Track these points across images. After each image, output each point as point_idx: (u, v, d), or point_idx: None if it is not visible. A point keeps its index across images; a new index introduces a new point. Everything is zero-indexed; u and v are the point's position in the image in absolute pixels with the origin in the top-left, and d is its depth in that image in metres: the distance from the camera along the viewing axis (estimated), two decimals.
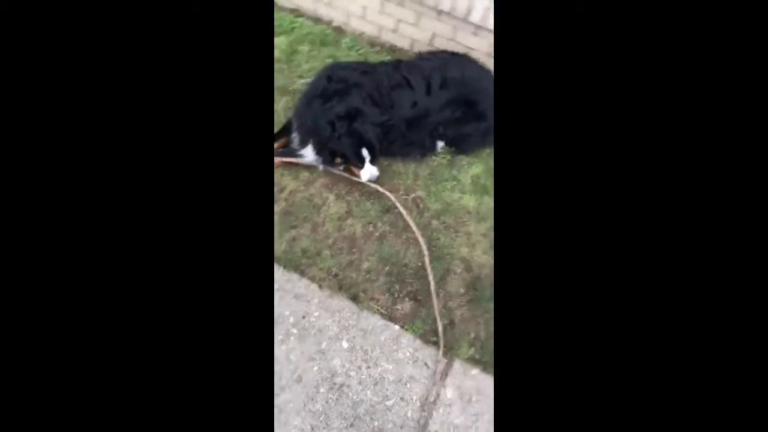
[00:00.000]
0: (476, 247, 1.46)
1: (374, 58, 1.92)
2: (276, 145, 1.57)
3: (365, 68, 1.53)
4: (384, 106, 1.45)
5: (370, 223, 1.49)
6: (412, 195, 1.56)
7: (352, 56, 1.96)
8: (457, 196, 1.57)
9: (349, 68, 1.49)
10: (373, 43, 2.02)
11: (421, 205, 1.54)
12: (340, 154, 1.42)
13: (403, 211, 1.45)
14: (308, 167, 1.56)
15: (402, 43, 1.98)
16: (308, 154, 1.49)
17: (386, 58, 1.91)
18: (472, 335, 1.31)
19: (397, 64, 1.57)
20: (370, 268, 1.41)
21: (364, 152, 1.42)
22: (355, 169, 1.47)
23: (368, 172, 1.44)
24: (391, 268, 1.41)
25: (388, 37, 2.00)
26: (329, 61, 1.86)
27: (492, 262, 1.45)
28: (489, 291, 1.37)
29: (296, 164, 1.55)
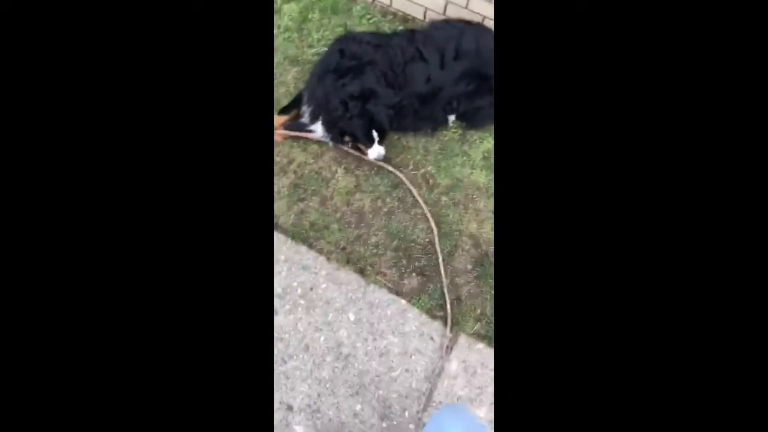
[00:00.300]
0: (485, 223, 1.45)
1: (386, 27, 1.86)
2: (286, 118, 1.55)
3: (379, 41, 1.48)
4: (398, 85, 1.41)
5: (378, 198, 1.48)
6: (421, 171, 1.54)
7: (364, 25, 1.89)
8: (468, 171, 1.55)
9: (362, 42, 1.44)
10: (385, 11, 1.94)
11: (430, 181, 1.52)
12: (350, 133, 1.40)
13: (412, 189, 1.44)
14: (317, 141, 1.54)
15: (415, 11, 1.90)
16: (318, 129, 1.47)
17: (399, 27, 1.85)
18: (478, 311, 1.31)
19: (411, 35, 1.51)
20: (377, 242, 1.41)
21: (374, 134, 1.39)
22: (363, 147, 1.45)
23: (376, 151, 1.42)
24: (399, 243, 1.41)
25: (401, 5, 1.92)
26: (340, 30, 1.81)
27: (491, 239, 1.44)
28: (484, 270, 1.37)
29: (305, 139, 1.53)
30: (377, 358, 1.24)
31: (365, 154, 1.46)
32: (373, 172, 1.52)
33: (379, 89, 1.35)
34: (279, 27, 1.86)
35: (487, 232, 1.44)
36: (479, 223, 1.45)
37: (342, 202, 1.47)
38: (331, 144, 1.51)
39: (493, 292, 1.34)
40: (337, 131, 1.41)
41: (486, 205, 1.49)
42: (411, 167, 1.54)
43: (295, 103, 1.56)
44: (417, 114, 1.49)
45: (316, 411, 1.17)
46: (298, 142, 1.56)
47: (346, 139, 1.44)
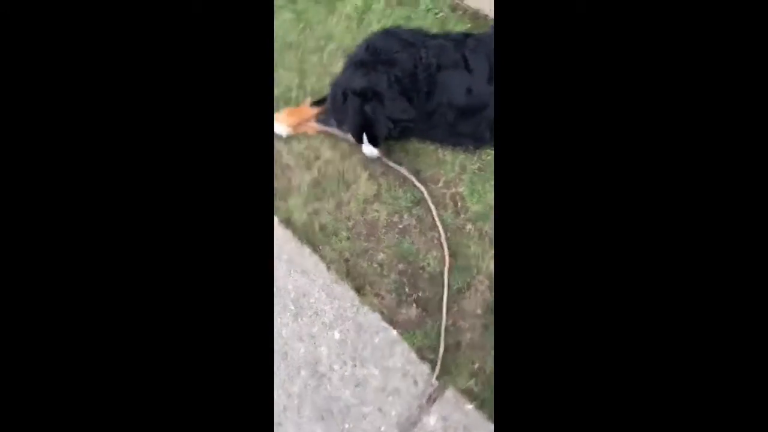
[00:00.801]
0: None
1: (452, 24, 1.68)
2: (318, 110, 1.48)
3: (414, 40, 1.33)
4: (418, 93, 1.25)
5: (396, 212, 1.35)
6: (452, 191, 1.37)
7: (429, 20, 1.73)
8: None
9: (394, 37, 1.30)
10: (455, 6, 1.76)
11: (459, 204, 1.35)
12: (343, 124, 1.29)
13: (433, 208, 1.28)
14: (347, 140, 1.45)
15: (488, 9, 1.69)
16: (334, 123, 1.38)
17: (466, 26, 1.66)
18: (477, 365, 1.14)
19: (462, 39, 1.33)
20: (383, 261, 1.29)
21: (365, 137, 1.26)
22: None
23: (368, 149, 1.30)
24: (406, 266, 1.27)
25: (474, 2, 1.72)
26: (402, 23, 1.68)
27: None
28: None
29: (334, 135, 1.45)
30: (352, 387, 1.14)
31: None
32: (398, 183, 1.39)
33: (387, 93, 1.20)
34: (341, 15, 1.78)
35: None
36: None
37: (357, 210, 1.37)
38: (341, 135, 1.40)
39: None
40: (335, 119, 1.30)
41: None
42: (441, 184, 1.38)
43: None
44: (453, 128, 1.32)
45: (278, 425, 1.12)
46: (330, 139, 1.49)
47: (344, 128, 1.33)
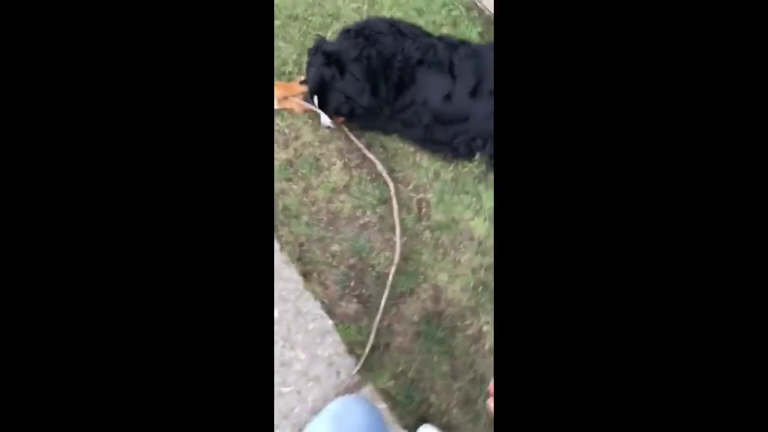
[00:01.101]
0: (457, 280, 1.26)
1: (464, 26, 1.63)
2: (305, 88, 1.47)
3: (408, 32, 1.29)
4: (385, 80, 1.23)
5: (361, 207, 1.36)
6: (419, 196, 1.37)
7: (442, 15, 1.69)
8: (469, 215, 1.34)
9: (388, 23, 1.27)
10: (470, 6, 1.70)
11: (423, 210, 1.35)
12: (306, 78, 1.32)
13: (395, 208, 1.29)
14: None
15: None
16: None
17: (477, 29, 1.61)
18: (400, 368, 1.17)
19: (456, 44, 1.29)
20: (336, 252, 1.31)
21: (315, 99, 1.28)
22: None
23: (325, 118, 1.32)
24: (357, 262, 1.29)
25: (491, 4, 1.66)
26: (413, 14, 1.63)
27: (464, 305, 1.24)
28: (442, 334, 1.19)
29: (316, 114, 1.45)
30: (276, 365, 1.18)
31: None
32: (369, 178, 1.39)
33: (351, 67, 1.20)
34: None
35: (455, 290, 1.25)
36: (452, 277, 1.27)
37: (324, 198, 1.38)
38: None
39: (425, 356, 1.17)
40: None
41: (469, 260, 1.28)
42: (410, 187, 1.38)
43: None
44: (429, 131, 1.31)
45: None
46: (315, 122, 1.48)
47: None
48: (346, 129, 1.41)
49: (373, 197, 1.37)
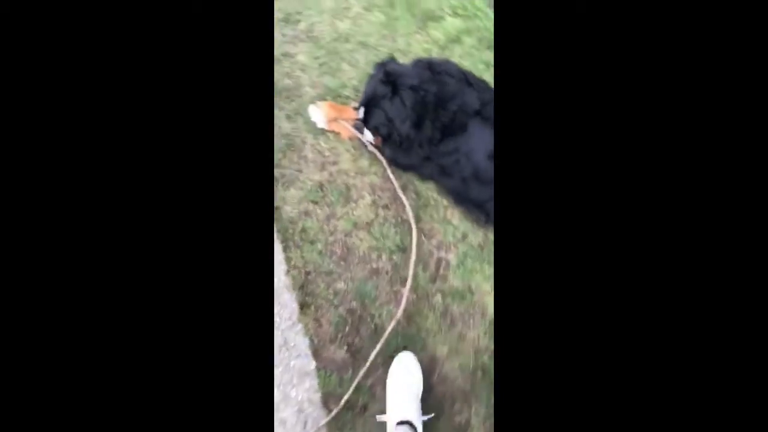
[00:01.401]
0: (457, 357, 1.15)
1: None
2: (354, 114, 1.44)
3: (473, 81, 1.25)
4: (432, 120, 1.19)
5: (377, 249, 1.29)
6: (440, 254, 1.29)
7: None
8: (487, 289, 1.23)
9: (457, 67, 1.25)
10: None
11: (441, 270, 1.27)
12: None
13: (412, 260, 1.21)
14: (374, 157, 1.41)
15: None
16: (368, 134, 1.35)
17: None
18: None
19: None
20: (340, 291, 1.24)
21: (362, 110, 1.26)
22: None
23: (367, 132, 1.29)
24: (358, 307, 1.22)
25: None
26: (481, 66, 1.59)
27: (457, 386, 1.13)
28: (428, 404, 1.08)
29: (365, 147, 1.41)
30: None
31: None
32: (394, 221, 1.33)
33: (403, 93, 1.17)
34: (428, 35, 1.73)
35: (452, 364, 1.14)
36: (452, 352, 1.16)
37: (344, 230, 1.32)
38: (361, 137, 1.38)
39: None
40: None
41: (476, 338, 1.17)
42: (434, 243, 1.30)
43: None
44: (466, 187, 1.24)
45: None
46: (356, 152, 1.45)
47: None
48: (385, 163, 1.37)
49: (393, 243, 1.29)
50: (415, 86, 1.21)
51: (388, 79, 1.19)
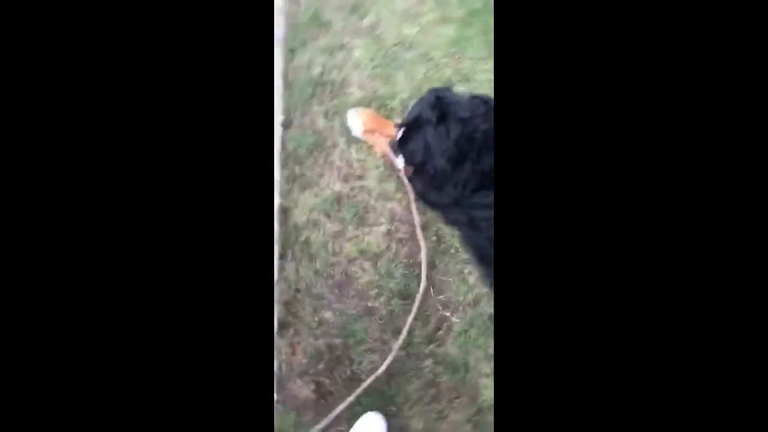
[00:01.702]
0: None
1: None
2: (394, 131, 1.31)
3: None
4: (471, 162, 1.05)
5: (378, 288, 1.16)
6: (445, 313, 1.15)
7: None
8: (485, 370, 1.10)
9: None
10: None
11: (440, 332, 1.13)
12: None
13: (413, 312, 1.08)
14: (403, 184, 1.27)
15: None
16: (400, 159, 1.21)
17: None
18: None
19: None
20: (325, 321, 1.12)
21: (400, 131, 1.10)
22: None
23: (400, 158, 1.14)
24: (340, 345, 1.09)
25: None
26: None
27: None
28: None
29: (392, 166, 1.28)
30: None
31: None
32: (404, 263, 1.19)
33: (451, 126, 1.02)
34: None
35: None
36: (427, 431, 1.03)
37: (348, 254, 1.20)
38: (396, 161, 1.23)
39: None
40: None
41: (457, 423, 1.04)
42: (442, 298, 1.17)
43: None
44: (492, 244, 1.09)
45: None
46: (385, 173, 1.31)
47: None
48: (411, 193, 1.23)
49: (397, 285, 1.16)
50: (464, 119, 1.06)
51: (437, 105, 1.05)
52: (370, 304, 1.14)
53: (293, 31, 1.51)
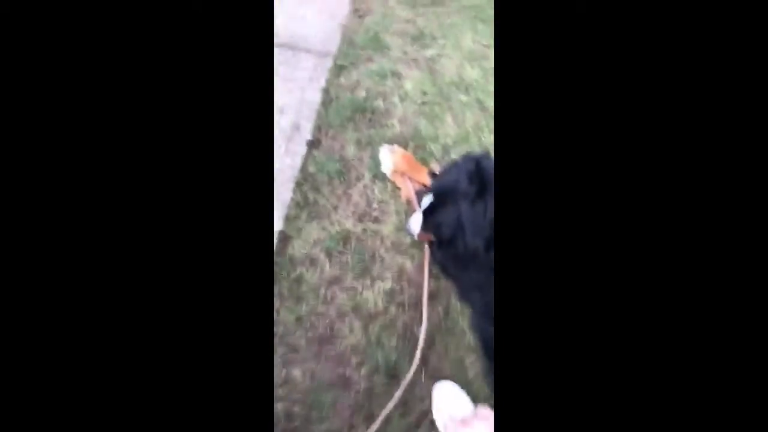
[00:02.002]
0: None
1: None
2: (426, 183, 1.15)
3: None
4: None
5: (364, 357, 0.99)
6: (429, 408, 0.96)
7: None
8: None
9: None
10: None
11: (421, 429, 0.94)
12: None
13: (395, 397, 0.90)
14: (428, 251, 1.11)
15: None
16: (416, 218, 1.05)
17: None
18: None
19: None
20: (291, 380, 0.96)
21: (426, 201, 0.94)
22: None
23: (415, 219, 0.97)
24: (302, 416, 0.92)
25: None
26: None
27: None
28: None
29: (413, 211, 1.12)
30: None
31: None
32: (401, 332, 1.02)
33: (490, 207, 0.86)
34: None
35: None
36: None
37: (340, 308, 1.04)
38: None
39: None
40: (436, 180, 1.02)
41: None
42: (431, 383, 0.98)
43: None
44: None
45: None
46: (407, 215, 1.16)
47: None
48: (427, 257, 1.07)
49: (385, 360, 0.99)
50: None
51: (477, 176, 0.89)
52: (347, 374, 0.97)
53: (347, 47, 1.41)
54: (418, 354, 0.96)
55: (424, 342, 0.98)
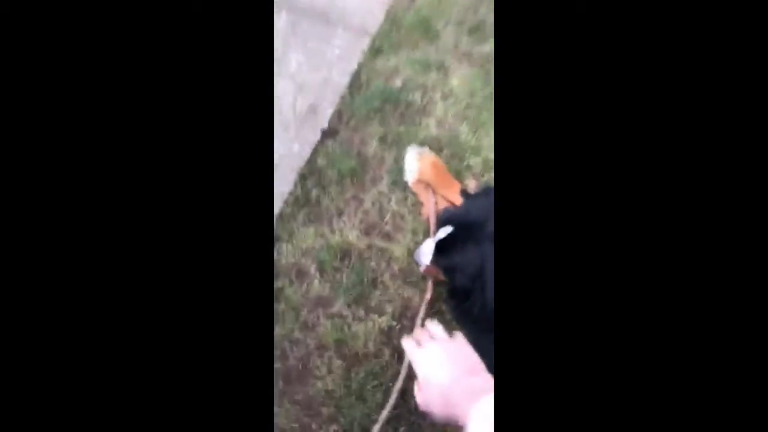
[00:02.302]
0: None
1: None
2: (456, 200, 0.93)
3: None
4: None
5: (335, 406, 0.78)
6: None
7: None
8: None
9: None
10: None
11: None
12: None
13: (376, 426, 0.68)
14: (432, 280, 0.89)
15: None
16: (428, 246, 0.83)
17: None
18: None
19: None
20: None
21: (442, 232, 0.79)
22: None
23: (427, 247, 0.81)
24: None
25: None
26: None
27: None
28: None
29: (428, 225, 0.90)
30: None
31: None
32: (382, 382, 0.80)
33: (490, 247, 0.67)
34: None
35: None
36: None
37: (321, 338, 0.83)
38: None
39: None
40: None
41: None
42: None
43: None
44: None
45: None
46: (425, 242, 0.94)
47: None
48: (428, 295, 0.84)
49: (361, 423, 0.77)
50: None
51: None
52: (314, 426, 0.76)
53: (390, 28, 1.20)
54: (387, 409, 0.74)
55: (399, 391, 0.75)
